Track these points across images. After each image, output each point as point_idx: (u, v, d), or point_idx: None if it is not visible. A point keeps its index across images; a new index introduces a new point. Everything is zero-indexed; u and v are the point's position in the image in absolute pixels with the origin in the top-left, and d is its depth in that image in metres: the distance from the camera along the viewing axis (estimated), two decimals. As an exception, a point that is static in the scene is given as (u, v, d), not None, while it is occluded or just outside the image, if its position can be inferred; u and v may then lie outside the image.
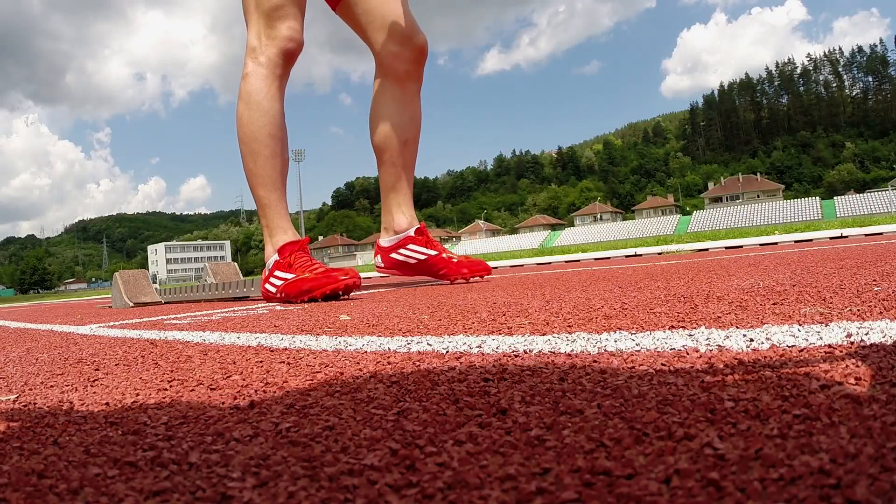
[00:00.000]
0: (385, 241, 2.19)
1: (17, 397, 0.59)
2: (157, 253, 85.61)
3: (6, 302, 11.47)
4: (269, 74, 1.87)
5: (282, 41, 1.86)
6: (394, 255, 2.16)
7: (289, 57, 1.89)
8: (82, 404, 0.52)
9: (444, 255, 2.12)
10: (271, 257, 1.88)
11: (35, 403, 0.54)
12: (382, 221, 2.23)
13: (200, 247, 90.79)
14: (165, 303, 2.66)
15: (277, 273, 1.83)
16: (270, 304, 1.84)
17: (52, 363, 0.83)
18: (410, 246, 2.13)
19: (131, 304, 2.59)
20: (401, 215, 2.16)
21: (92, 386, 0.61)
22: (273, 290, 1.84)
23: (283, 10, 1.86)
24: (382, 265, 2.20)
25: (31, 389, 0.63)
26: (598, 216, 69.76)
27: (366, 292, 2.04)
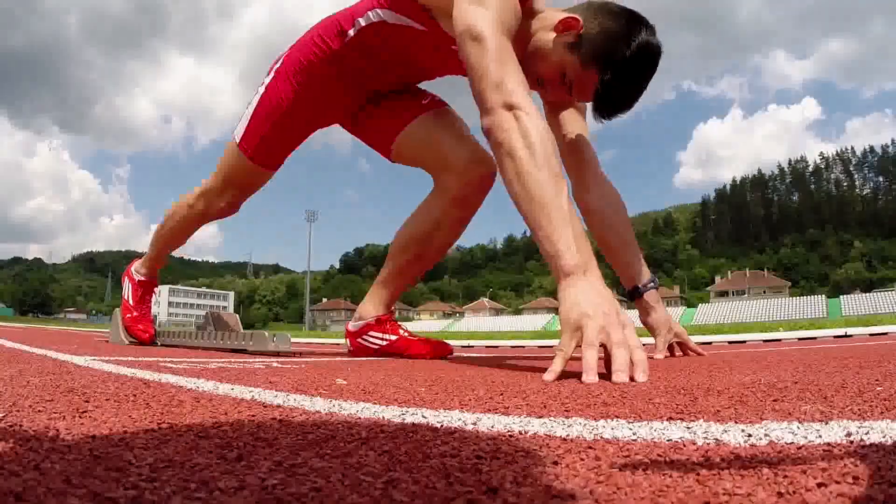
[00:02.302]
0: (352, 325, 2.22)
1: (4, 416, 0.58)
2: (160, 294, 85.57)
3: (4, 321, 11.44)
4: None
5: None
6: (359, 340, 2.18)
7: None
8: (68, 433, 0.51)
9: (404, 338, 2.15)
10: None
11: (21, 425, 0.54)
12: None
13: (204, 294, 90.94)
14: (162, 345, 2.64)
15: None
16: (268, 360, 1.83)
17: (42, 388, 0.83)
18: (371, 333, 2.16)
19: (127, 342, 2.58)
20: (370, 304, 2.18)
21: (80, 417, 0.61)
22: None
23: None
24: (351, 349, 2.23)
25: (18, 411, 0.62)
26: (603, 304, 69.51)
27: (365, 359, 2.02)
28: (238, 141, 2.04)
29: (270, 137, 2.01)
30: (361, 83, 1.96)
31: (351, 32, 1.78)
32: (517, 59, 1.40)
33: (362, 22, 1.76)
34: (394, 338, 2.14)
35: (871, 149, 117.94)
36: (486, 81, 1.35)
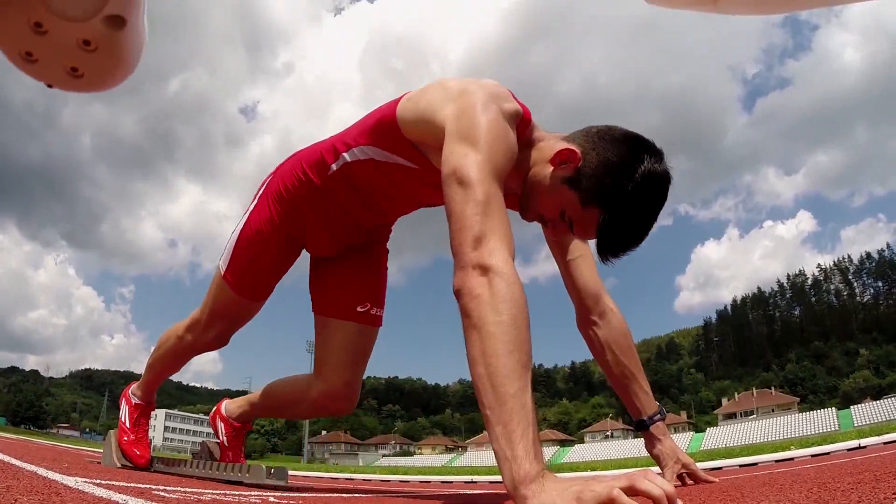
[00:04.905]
0: (225, 410, 2.56)
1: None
2: (156, 418, 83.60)
3: (-6, 433, 11.08)
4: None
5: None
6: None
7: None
8: (59, 564, 0.48)
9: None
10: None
11: (10, 554, 0.51)
12: None
13: (201, 421, 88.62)
14: (154, 471, 2.55)
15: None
16: (264, 493, 1.75)
17: (31, 513, 0.79)
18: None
19: (119, 465, 2.49)
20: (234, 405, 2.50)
21: (71, 546, 0.57)
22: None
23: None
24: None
25: (7, 538, 0.59)
26: (609, 433, 67.12)
27: (365, 496, 1.94)
28: (223, 272, 1.98)
29: (253, 266, 1.96)
30: (344, 218, 1.86)
31: (334, 167, 1.69)
32: (506, 210, 1.29)
33: (347, 157, 1.65)
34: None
35: (868, 255, 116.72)
36: (466, 235, 1.22)
